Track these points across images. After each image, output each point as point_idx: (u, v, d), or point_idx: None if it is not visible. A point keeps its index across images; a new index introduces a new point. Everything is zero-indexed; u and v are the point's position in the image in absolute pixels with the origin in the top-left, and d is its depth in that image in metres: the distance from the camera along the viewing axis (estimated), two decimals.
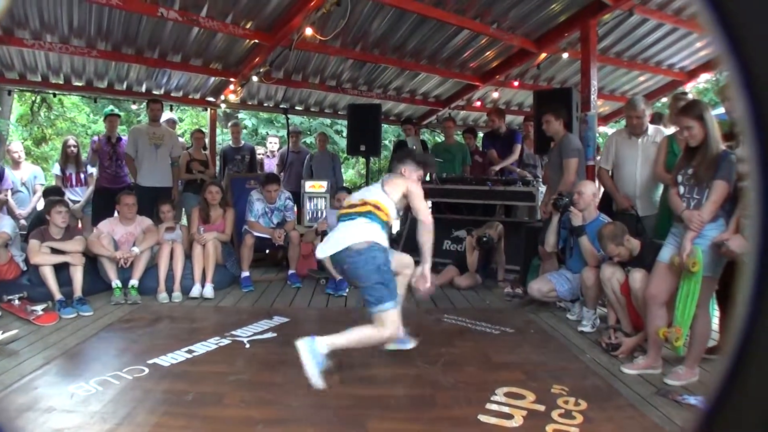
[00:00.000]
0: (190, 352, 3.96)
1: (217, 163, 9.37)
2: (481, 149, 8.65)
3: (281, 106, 10.67)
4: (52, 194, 6.49)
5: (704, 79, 11.10)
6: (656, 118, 5.82)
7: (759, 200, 0.62)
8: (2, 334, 3.98)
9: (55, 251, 5.29)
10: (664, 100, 11.31)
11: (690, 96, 6.20)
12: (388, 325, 3.36)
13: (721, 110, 5.04)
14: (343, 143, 15.13)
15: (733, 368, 0.63)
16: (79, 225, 6.96)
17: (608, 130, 13.25)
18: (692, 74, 10.40)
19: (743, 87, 0.61)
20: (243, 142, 9.17)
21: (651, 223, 4.97)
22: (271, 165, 9.41)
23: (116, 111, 8.50)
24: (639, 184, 5.13)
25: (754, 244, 0.63)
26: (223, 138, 14.56)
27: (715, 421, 0.66)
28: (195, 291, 5.73)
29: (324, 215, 7.24)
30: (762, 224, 0.62)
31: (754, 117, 0.61)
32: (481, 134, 9.82)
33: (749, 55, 0.60)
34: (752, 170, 0.62)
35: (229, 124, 9.79)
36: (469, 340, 4.42)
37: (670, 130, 5.09)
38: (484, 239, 6.15)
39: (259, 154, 9.52)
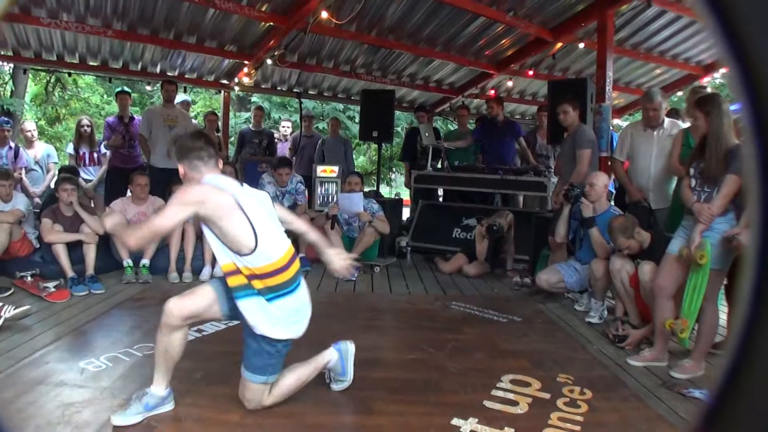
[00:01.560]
0: (199, 331, 3.99)
1: (231, 145, 9.41)
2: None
3: (295, 90, 10.65)
4: (66, 173, 6.54)
5: (721, 73, 10.95)
6: (672, 114, 5.78)
7: (759, 200, 0.62)
8: (14, 309, 4.03)
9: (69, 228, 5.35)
10: (680, 93, 11.20)
11: (708, 90, 6.14)
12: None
13: (737, 106, 5.00)
14: (355, 129, 15.12)
15: (735, 364, 0.64)
16: (92, 204, 7.02)
17: (622, 122, 13.17)
18: (709, 68, 10.27)
19: (744, 87, 0.61)
20: (263, 126, 9.20)
21: (663, 216, 4.95)
22: (283, 149, 9.43)
23: (126, 89, 8.53)
24: (652, 177, 5.10)
25: (754, 243, 0.63)
26: (236, 121, 14.61)
27: (718, 416, 0.67)
28: (205, 273, 5.76)
29: (335, 199, 7.25)
30: (762, 224, 0.63)
31: (754, 117, 0.61)
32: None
33: (750, 55, 0.60)
34: (752, 170, 0.62)
35: (254, 107, 9.81)
36: (476, 327, 4.44)
37: (687, 123, 5.07)
38: (495, 228, 6.15)
39: None
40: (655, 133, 5.09)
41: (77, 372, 3.19)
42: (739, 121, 3.64)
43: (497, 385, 3.16)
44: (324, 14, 6.86)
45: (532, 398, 3.02)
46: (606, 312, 4.70)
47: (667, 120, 5.15)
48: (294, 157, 8.99)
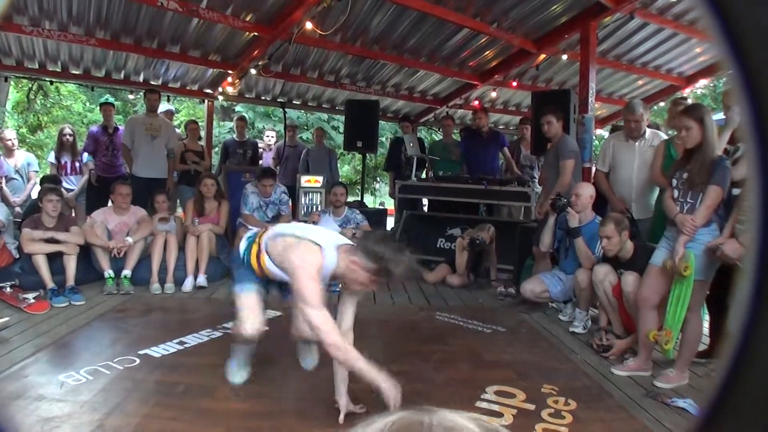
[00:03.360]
0: (181, 343, 3.96)
1: (215, 155, 9.36)
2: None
3: (279, 99, 10.64)
4: (49, 183, 6.47)
5: (702, 84, 11.10)
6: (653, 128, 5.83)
7: (759, 201, 0.62)
8: None
9: (51, 240, 5.27)
10: (662, 104, 11.33)
11: (689, 101, 6.23)
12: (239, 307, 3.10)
13: (720, 116, 5.06)
14: (339, 139, 15.12)
15: (731, 372, 0.63)
16: (73, 214, 6.94)
17: (605, 132, 13.29)
18: (690, 79, 10.41)
19: (743, 86, 0.61)
20: (247, 136, 9.18)
21: (646, 226, 4.98)
22: (267, 159, 9.41)
23: (110, 100, 8.47)
24: (635, 188, 5.13)
25: (754, 246, 0.63)
26: (220, 131, 14.53)
27: (712, 425, 0.66)
28: (188, 284, 5.71)
29: (318, 208, 7.25)
30: (762, 226, 0.62)
31: (754, 117, 0.61)
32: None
33: (750, 54, 0.60)
34: (752, 171, 0.62)
35: (236, 118, 9.79)
36: (461, 339, 4.43)
37: (668, 134, 5.11)
38: (477, 242, 6.14)
39: None
40: (636, 144, 5.13)
41: (57, 386, 3.13)
42: (724, 129, 3.69)
43: (482, 397, 3.16)
44: (309, 25, 6.85)
45: (516, 409, 3.02)
46: (590, 322, 4.72)
47: (648, 131, 5.19)
48: (278, 167, 8.95)
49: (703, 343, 3.87)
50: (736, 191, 3.43)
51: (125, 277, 5.56)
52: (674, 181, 3.62)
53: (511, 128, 12.25)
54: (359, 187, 9.87)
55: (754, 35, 0.59)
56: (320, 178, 8.17)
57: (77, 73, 8.87)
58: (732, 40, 0.61)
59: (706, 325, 3.99)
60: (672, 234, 3.58)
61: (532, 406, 3.06)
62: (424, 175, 8.29)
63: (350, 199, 7.54)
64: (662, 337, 3.44)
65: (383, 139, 15.34)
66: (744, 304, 0.61)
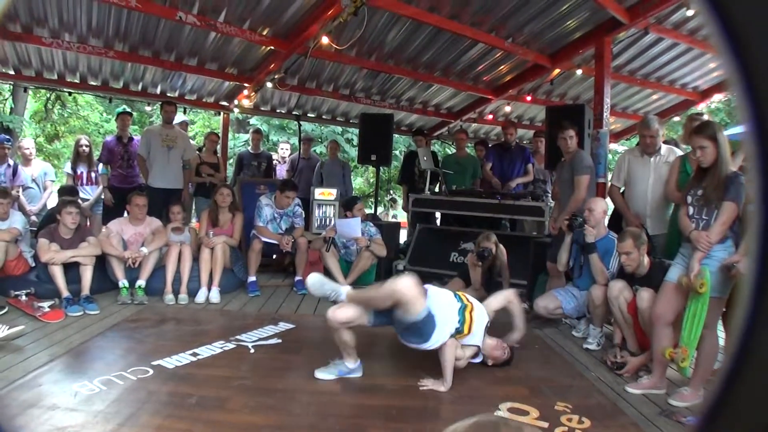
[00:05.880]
0: (194, 355, 3.96)
1: (230, 166, 9.41)
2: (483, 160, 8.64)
3: (294, 112, 10.71)
4: (67, 193, 6.53)
5: (717, 99, 11.08)
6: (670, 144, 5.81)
7: (759, 203, 0.62)
8: (8, 329, 4.00)
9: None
10: (677, 119, 11.29)
11: (705, 116, 6.21)
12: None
13: (733, 130, 5.04)
14: (352, 152, 15.16)
15: (730, 379, 0.63)
16: (88, 223, 7.00)
17: (619, 147, 13.26)
18: (705, 94, 10.39)
19: (744, 90, 0.61)
20: (261, 149, 9.24)
21: (661, 242, 4.95)
22: (281, 171, 9.45)
23: (128, 109, 8.55)
24: (650, 203, 5.11)
25: (754, 248, 0.63)
26: (235, 143, 14.63)
27: (713, 426, 0.66)
28: (201, 296, 5.73)
29: (332, 222, 7.25)
30: (762, 229, 0.62)
31: (756, 127, 0.61)
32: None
33: (752, 59, 0.60)
34: (753, 171, 0.62)
35: (251, 130, 9.84)
36: None
37: (684, 150, 5.09)
38: (485, 254, 6.10)
39: None
40: (651, 159, 5.11)
41: (70, 395, 3.15)
42: (735, 144, 3.68)
43: (495, 414, 3.13)
44: (325, 39, 6.90)
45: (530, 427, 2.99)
46: (604, 338, 4.68)
47: (664, 146, 5.16)
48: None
49: (719, 361, 3.82)
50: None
51: (139, 287, 5.60)
52: (689, 198, 3.60)
53: (524, 142, 12.23)
54: (373, 200, 9.87)
55: (755, 37, 0.59)
56: (334, 191, 8.21)
57: (95, 84, 8.99)
58: (733, 42, 0.61)
59: (722, 342, 3.95)
60: (687, 250, 3.56)
61: (545, 424, 3.03)
62: (437, 189, 8.28)
63: (366, 211, 7.54)
64: (678, 354, 3.41)
65: (397, 152, 15.36)
66: (744, 306, 0.61)
